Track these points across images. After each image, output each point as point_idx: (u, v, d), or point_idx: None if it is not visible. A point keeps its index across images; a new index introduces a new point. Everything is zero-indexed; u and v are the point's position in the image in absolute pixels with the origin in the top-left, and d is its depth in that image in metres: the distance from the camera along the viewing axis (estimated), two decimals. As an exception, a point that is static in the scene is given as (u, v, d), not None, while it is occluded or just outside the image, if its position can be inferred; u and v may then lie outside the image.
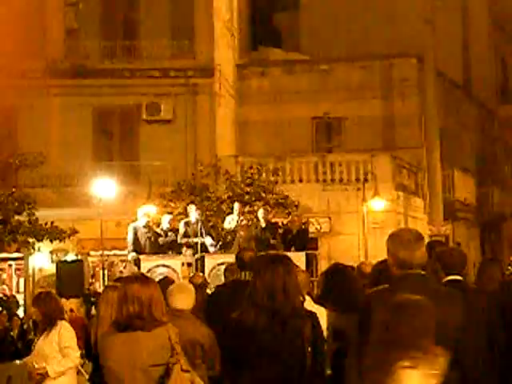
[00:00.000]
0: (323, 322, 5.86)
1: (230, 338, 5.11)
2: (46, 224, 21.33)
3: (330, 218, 25.41)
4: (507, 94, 39.17)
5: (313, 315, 5.10)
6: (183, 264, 17.40)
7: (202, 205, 21.69)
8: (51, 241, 21.65)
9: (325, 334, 5.67)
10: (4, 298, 23.74)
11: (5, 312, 19.99)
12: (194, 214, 17.75)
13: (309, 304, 7.01)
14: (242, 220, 18.24)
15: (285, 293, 4.95)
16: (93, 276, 25.36)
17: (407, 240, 4.90)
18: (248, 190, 22.87)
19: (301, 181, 25.77)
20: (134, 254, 17.18)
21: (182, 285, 7.21)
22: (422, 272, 4.94)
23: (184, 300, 6.71)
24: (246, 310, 5.02)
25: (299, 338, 4.94)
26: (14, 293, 25.83)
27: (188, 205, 19.40)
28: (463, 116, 34.05)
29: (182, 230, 17.69)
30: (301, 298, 5.18)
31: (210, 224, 19.69)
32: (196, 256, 17.35)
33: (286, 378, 4.94)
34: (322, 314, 6.21)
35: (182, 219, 18.79)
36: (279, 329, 4.91)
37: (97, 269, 25.25)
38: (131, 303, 5.24)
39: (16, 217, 21.20)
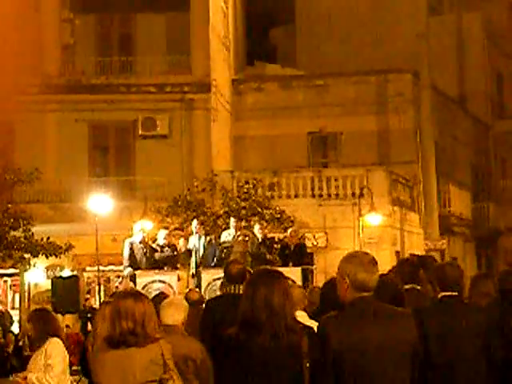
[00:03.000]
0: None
1: (224, 354, 5.08)
2: (41, 240, 21.27)
3: (326, 233, 25.38)
4: (502, 108, 39.27)
5: (310, 330, 5.09)
6: (179, 279, 17.42)
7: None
8: (47, 256, 21.59)
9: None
10: (-1, 313, 23.66)
11: (0, 328, 19.92)
12: (195, 229, 17.86)
13: (304, 319, 7.01)
14: (238, 236, 18.23)
15: (279, 309, 4.93)
16: (88, 292, 25.25)
17: (367, 262, 4.84)
18: (244, 205, 22.87)
19: (297, 196, 25.75)
20: (129, 269, 17.16)
21: (172, 300, 7.19)
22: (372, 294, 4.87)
23: (173, 315, 6.70)
24: (240, 326, 4.99)
25: (296, 354, 4.91)
26: (9, 309, 25.73)
27: (192, 220, 19.56)
28: (458, 131, 34.13)
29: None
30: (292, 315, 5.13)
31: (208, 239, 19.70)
32: (192, 271, 17.37)
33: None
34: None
35: (178, 234, 18.83)
36: (274, 345, 4.89)
37: (92, 284, 25.15)
38: (125, 319, 5.20)
39: (11, 232, 21.15)
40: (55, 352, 8.16)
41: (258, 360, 4.90)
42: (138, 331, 5.19)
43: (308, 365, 4.91)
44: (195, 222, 18.59)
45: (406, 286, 7.06)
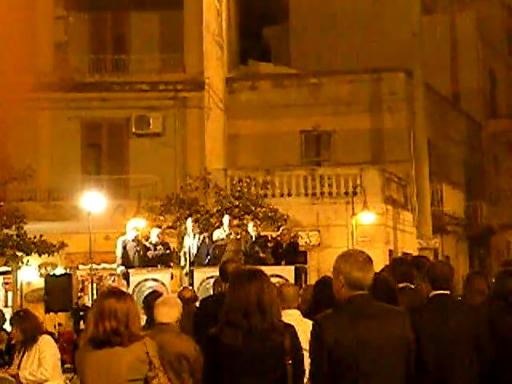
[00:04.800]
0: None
1: (208, 353, 5.10)
2: (34, 238, 21.26)
3: (319, 232, 25.40)
4: (495, 107, 39.36)
5: (291, 328, 5.08)
6: (172, 277, 17.41)
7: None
8: (40, 254, 21.57)
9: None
10: (-8, 312, 23.60)
11: (-8, 326, 19.87)
12: (190, 228, 17.85)
13: (298, 318, 7.02)
14: (230, 233, 18.22)
15: (260, 310, 4.93)
16: (81, 290, 25.28)
17: (362, 261, 4.84)
18: (237, 203, 22.84)
19: (290, 194, 25.77)
20: (122, 267, 17.15)
21: (166, 298, 7.21)
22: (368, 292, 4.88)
23: (168, 313, 6.71)
24: (223, 326, 5.00)
25: (279, 354, 4.93)
26: (1, 307, 25.71)
27: (186, 219, 19.54)
28: (452, 130, 34.18)
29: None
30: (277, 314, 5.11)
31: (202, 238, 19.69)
32: (185, 270, 17.37)
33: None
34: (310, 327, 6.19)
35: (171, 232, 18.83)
36: (257, 346, 4.91)
37: (85, 282, 25.17)
38: (107, 319, 5.16)
39: (4, 230, 21.14)
40: (47, 347, 8.30)
41: (241, 361, 4.92)
42: (122, 331, 5.16)
43: (290, 362, 4.93)
44: (190, 220, 18.55)
45: (400, 285, 7.08)
